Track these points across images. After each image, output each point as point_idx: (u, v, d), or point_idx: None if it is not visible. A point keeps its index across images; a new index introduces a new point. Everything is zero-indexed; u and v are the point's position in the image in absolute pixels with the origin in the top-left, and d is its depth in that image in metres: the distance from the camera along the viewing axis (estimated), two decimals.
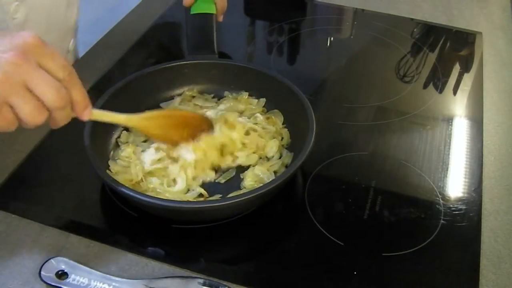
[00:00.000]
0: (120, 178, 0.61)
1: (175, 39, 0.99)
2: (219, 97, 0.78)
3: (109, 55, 0.89)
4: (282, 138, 0.72)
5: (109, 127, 0.70)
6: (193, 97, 0.77)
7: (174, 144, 0.66)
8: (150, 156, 0.66)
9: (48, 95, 0.47)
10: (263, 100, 0.76)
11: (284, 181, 0.59)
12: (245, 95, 0.76)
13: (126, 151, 0.67)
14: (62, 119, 0.51)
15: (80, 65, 0.87)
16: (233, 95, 0.77)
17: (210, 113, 0.72)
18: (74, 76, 0.51)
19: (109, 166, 0.65)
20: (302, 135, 0.65)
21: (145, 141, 0.70)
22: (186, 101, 0.77)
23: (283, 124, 0.73)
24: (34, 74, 0.47)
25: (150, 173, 0.65)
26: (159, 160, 0.66)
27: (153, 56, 0.91)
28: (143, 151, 0.68)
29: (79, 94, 0.51)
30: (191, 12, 0.83)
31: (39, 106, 0.47)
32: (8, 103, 0.46)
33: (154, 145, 0.68)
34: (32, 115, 0.47)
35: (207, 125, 0.69)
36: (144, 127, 0.63)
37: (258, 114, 0.74)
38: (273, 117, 0.74)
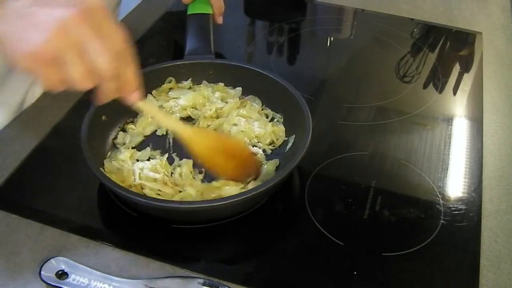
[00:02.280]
0: (112, 178, 0.61)
1: (175, 39, 0.99)
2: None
3: None
4: (267, 116, 0.74)
5: (106, 127, 0.70)
6: (171, 89, 0.77)
7: (215, 172, 0.62)
8: (145, 171, 0.64)
9: (102, 62, 0.46)
10: (239, 89, 0.77)
11: (283, 179, 0.59)
12: (220, 84, 0.77)
13: (124, 155, 0.67)
14: (108, 92, 0.50)
15: None
16: (210, 85, 0.77)
17: (181, 101, 0.74)
18: (130, 54, 0.49)
19: (104, 165, 0.66)
20: (300, 135, 0.65)
21: (141, 142, 0.71)
22: (163, 94, 0.76)
23: (262, 105, 0.75)
24: (93, 37, 0.45)
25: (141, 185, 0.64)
26: (155, 180, 0.64)
27: (153, 56, 0.90)
28: (138, 159, 0.67)
29: (131, 74, 0.50)
30: (188, 13, 0.84)
31: (92, 70, 0.46)
32: (60, 59, 0.45)
33: (153, 162, 0.66)
34: (82, 77, 0.46)
35: (255, 168, 0.64)
36: (191, 141, 0.59)
37: (231, 100, 0.75)
38: (248, 101, 0.75)
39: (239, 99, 0.76)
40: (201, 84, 0.78)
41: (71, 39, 0.44)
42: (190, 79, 0.78)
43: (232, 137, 0.69)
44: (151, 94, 0.76)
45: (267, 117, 0.74)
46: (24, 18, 0.45)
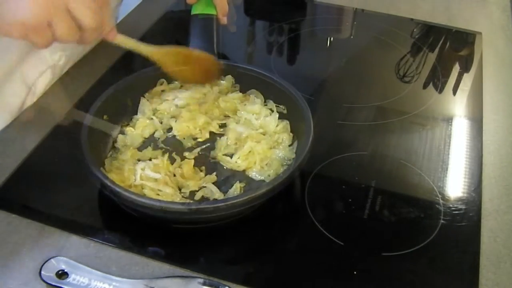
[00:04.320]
0: (112, 178, 0.60)
1: (177, 39, 0.98)
2: None
3: (110, 54, 0.89)
4: (272, 110, 0.74)
5: (108, 127, 0.70)
6: (163, 91, 0.77)
7: (187, 81, 0.74)
8: (146, 170, 0.65)
9: (86, 17, 0.53)
10: (229, 77, 0.77)
11: (285, 182, 0.59)
12: None
13: (125, 154, 0.67)
14: (91, 38, 0.56)
15: (82, 64, 0.87)
16: None
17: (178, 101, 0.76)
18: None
19: (104, 164, 0.65)
20: (301, 137, 0.65)
21: (142, 143, 0.71)
22: (156, 96, 0.76)
23: (265, 100, 0.76)
24: None
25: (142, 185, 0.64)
26: (156, 180, 0.64)
27: None
28: (139, 159, 0.67)
29: (108, 17, 0.57)
30: (192, 13, 0.83)
31: (75, 27, 0.53)
32: (49, 24, 0.51)
33: (155, 161, 0.66)
34: (67, 35, 0.53)
35: (216, 68, 0.73)
36: (162, 60, 0.68)
37: (234, 94, 0.76)
38: (250, 95, 0.76)
39: (242, 94, 0.76)
40: None
41: (56, 5, 0.50)
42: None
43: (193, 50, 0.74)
44: (144, 97, 0.75)
45: (272, 111, 0.74)
46: None
